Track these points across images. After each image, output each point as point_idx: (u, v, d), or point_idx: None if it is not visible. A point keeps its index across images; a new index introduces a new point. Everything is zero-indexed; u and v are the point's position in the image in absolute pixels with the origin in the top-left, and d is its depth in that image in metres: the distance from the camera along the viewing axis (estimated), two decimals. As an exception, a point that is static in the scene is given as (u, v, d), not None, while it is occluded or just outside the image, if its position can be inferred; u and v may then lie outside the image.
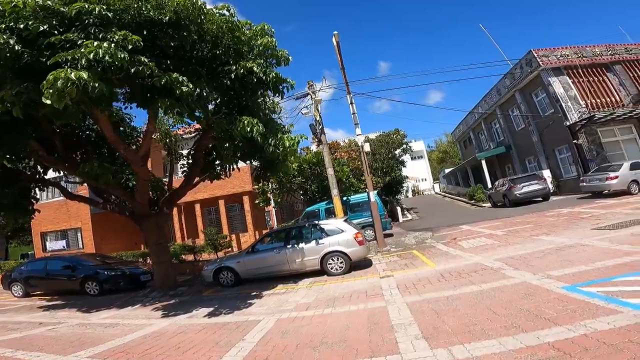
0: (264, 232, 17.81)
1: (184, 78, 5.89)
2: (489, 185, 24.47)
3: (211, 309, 7.37)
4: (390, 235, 15.34)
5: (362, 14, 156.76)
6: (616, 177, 14.22)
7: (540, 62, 19.03)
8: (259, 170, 10.21)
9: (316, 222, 9.98)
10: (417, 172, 60.33)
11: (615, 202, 12.92)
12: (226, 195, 21.49)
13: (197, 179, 10.14)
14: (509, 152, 26.11)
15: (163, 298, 9.39)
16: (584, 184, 15.57)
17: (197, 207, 21.84)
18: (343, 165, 16.81)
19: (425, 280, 6.69)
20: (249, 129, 6.84)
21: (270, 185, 15.91)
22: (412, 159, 61.70)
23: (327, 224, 9.61)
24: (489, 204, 22.19)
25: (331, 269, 9.10)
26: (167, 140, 10.91)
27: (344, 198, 15.54)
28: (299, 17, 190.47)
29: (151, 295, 9.78)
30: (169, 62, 6.47)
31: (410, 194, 55.92)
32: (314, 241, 9.31)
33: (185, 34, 6.39)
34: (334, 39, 12.40)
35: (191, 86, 5.93)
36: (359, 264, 9.52)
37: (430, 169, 59.68)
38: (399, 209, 25.89)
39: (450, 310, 4.68)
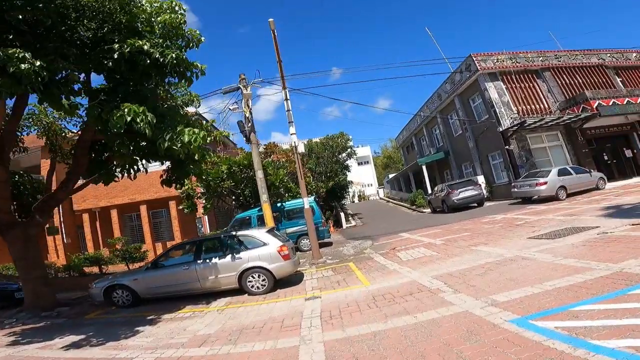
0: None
1: (27, 54, 4.72)
2: (429, 191, 24.73)
3: (81, 337, 5.97)
4: (329, 244, 14.27)
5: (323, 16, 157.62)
6: (545, 183, 14.59)
7: (479, 67, 19.40)
8: (168, 172, 8.47)
9: (234, 232, 8.46)
10: (363, 178, 60.95)
11: (545, 208, 13.12)
12: (149, 200, 19.02)
13: (81, 181, 8.09)
14: (448, 158, 26.70)
15: (31, 320, 7.80)
16: (515, 189, 15.89)
17: (114, 213, 19.03)
18: (279, 168, 15.43)
19: (354, 306, 5.53)
20: (129, 118, 5.23)
21: (194, 190, 13.99)
22: (358, 164, 62.31)
23: (246, 235, 8.14)
24: (429, 210, 22.26)
25: (251, 287, 7.67)
26: (49, 134, 8.68)
27: (279, 204, 14.15)
28: (250, 19, 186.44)
29: (18, 316, 8.10)
30: (12, 37, 5.31)
31: (356, 199, 56.17)
32: (231, 255, 7.81)
33: (42, 6, 5.24)
34: (270, 27, 11.03)
35: (37, 64, 4.77)
36: (290, 279, 8.23)
37: (375, 174, 60.68)
38: (342, 215, 25.12)
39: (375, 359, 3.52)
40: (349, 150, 28.25)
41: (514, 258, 6.54)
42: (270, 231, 8.39)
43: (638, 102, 17.09)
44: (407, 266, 7.84)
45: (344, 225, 24.38)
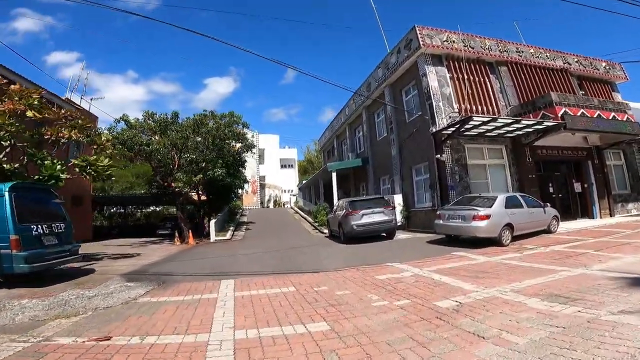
0: None
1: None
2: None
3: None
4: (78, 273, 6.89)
5: None
6: (486, 217, 8.95)
7: (422, 43, 13.71)
8: None
9: None
10: (285, 182, 54.18)
11: (485, 260, 7.36)
12: None
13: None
14: (366, 167, 20.96)
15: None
16: (441, 221, 10.12)
17: None
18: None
19: None
20: None
21: None
22: (281, 166, 55.51)
23: None
24: (327, 232, 16.03)
25: None
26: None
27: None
28: None
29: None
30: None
31: (271, 205, 49.04)
32: None
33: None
34: None
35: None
36: None
37: (298, 180, 54.43)
38: (212, 223, 17.69)
39: None
40: (247, 142, 20.95)
41: None
42: None
43: (610, 117, 12.81)
44: None
45: (213, 237, 17.05)
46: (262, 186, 49.58)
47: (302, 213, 27.65)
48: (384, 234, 12.49)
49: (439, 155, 12.77)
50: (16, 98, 8.28)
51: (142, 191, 23.89)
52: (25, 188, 7.13)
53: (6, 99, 8.22)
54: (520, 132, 13.18)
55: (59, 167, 8.58)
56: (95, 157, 9.38)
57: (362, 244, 11.34)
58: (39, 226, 6.70)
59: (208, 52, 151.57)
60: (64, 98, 19.25)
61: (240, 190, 34.69)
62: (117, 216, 30.16)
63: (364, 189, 21.94)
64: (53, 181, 8.40)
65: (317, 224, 19.86)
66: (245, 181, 30.60)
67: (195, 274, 7.59)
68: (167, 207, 29.83)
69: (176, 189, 16.89)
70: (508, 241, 9.37)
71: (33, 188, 7.57)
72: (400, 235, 13.01)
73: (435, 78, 14.08)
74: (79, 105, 21.06)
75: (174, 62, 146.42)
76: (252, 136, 47.57)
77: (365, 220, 11.75)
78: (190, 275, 7.46)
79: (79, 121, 9.73)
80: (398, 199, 15.59)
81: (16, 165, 8.28)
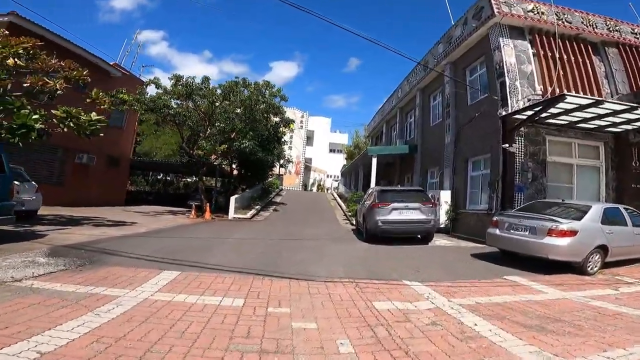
0: None
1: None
2: (372, 195, 16.05)
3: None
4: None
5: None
6: (572, 232, 6.03)
7: (496, 11, 10.71)
8: None
9: None
10: (333, 167, 52.18)
11: (557, 297, 4.64)
12: None
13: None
14: (414, 156, 18.07)
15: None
16: (496, 231, 7.28)
17: None
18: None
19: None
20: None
21: None
22: (331, 151, 53.62)
23: None
24: (355, 224, 13.78)
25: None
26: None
27: None
28: None
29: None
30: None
31: (314, 188, 47.55)
32: None
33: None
34: None
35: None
36: None
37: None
38: (233, 198, 16.35)
39: None
40: (282, 116, 19.17)
41: None
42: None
43: None
44: None
45: (231, 214, 15.73)
46: (308, 168, 48.20)
47: (339, 200, 25.53)
48: (419, 236, 9.92)
49: (507, 145, 9.69)
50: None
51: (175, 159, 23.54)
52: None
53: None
54: (630, 127, 9.58)
55: (35, 116, 7.40)
56: (77, 109, 8.12)
57: (386, 245, 8.93)
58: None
59: (278, 36, 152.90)
60: (111, 63, 19.02)
61: (280, 169, 33.57)
62: (158, 183, 30.70)
63: (409, 180, 19.07)
64: (24, 130, 7.24)
65: (349, 214, 17.67)
66: (289, 160, 29.22)
67: (148, 256, 5.90)
68: (207, 178, 29.59)
69: (201, 158, 15.72)
70: (595, 269, 6.39)
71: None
72: (439, 241, 10.31)
73: (512, 53, 10.93)
74: (128, 71, 20.94)
75: (244, 45, 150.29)
76: (302, 116, 46.93)
77: (395, 216, 9.27)
78: (138, 257, 5.77)
79: (74, 72, 8.52)
80: (445, 196, 12.72)
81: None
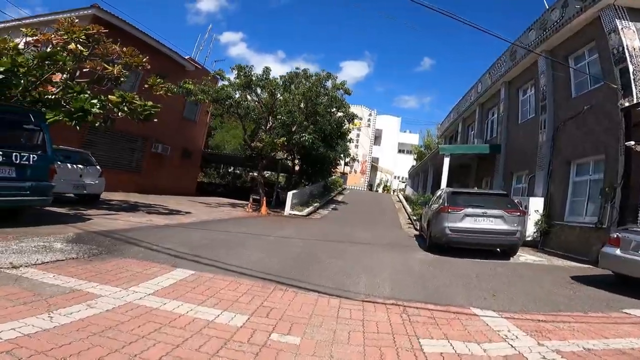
0: None
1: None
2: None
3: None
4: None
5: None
6: None
7: None
8: None
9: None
10: (401, 168, 49.56)
11: None
12: None
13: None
14: (494, 157, 15.62)
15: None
16: (616, 251, 5.32)
17: None
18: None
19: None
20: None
21: None
22: (399, 151, 51.10)
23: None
24: (418, 229, 12.19)
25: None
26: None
27: None
28: None
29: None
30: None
31: (380, 189, 45.63)
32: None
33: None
34: None
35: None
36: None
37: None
38: (290, 194, 15.87)
39: None
40: (345, 110, 18.15)
41: None
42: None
43: None
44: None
45: (287, 210, 15.26)
46: (374, 168, 46.45)
47: (404, 202, 23.63)
48: (498, 249, 8.10)
49: (632, 143, 7.35)
50: (61, 31, 7.52)
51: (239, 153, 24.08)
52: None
53: (54, 33, 7.59)
54: None
55: (93, 101, 7.56)
56: (132, 94, 8.17)
57: (454, 257, 7.37)
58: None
59: (347, 36, 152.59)
60: (186, 57, 20.08)
61: (344, 167, 32.62)
62: (228, 176, 32.04)
63: (488, 185, 16.61)
64: (81, 114, 7.41)
65: (414, 218, 15.98)
66: (354, 159, 28.14)
67: (171, 250, 5.34)
68: (272, 173, 30.01)
69: (260, 151, 15.52)
70: None
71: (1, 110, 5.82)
72: (525, 256, 8.31)
73: (635, 36, 8.60)
74: (201, 65, 21.97)
75: (317, 44, 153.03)
76: (370, 114, 45.25)
77: (468, 224, 7.61)
78: (160, 250, 5.25)
79: (133, 58, 8.63)
80: (535, 204, 10.46)
81: (53, 96, 7.57)
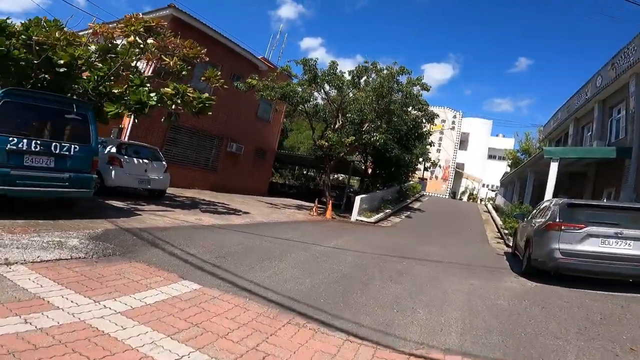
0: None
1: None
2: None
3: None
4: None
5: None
6: None
7: None
8: None
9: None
10: (491, 176, 44.17)
11: None
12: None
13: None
14: (622, 162, 12.18)
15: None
16: None
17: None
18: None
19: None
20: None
21: None
22: (490, 157, 45.77)
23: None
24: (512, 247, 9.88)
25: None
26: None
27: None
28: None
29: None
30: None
31: (465, 197, 41.24)
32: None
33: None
34: None
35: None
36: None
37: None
38: (358, 198, 14.66)
39: None
40: (422, 107, 16.21)
41: None
42: None
43: None
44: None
45: (354, 216, 14.11)
46: (459, 175, 42.17)
47: (494, 214, 20.41)
48: (630, 280, 5.74)
49: None
50: (121, 25, 7.66)
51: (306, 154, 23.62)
52: (30, 96, 5.63)
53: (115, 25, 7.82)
54: None
55: (152, 94, 7.55)
56: (186, 86, 7.96)
57: (561, 285, 5.36)
58: (24, 141, 5.12)
59: (430, 36, 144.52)
60: (259, 57, 20.44)
61: (423, 172, 30.12)
62: (302, 177, 32.06)
63: (613, 197, 13.08)
64: (138, 106, 7.40)
65: (505, 232, 13.37)
66: (435, 163, 25.73)
67: (192, 256, 4.62)
68: (344, 176, 29.09)
69: (327, 151, 14.67)
70: None
71: (43, 98, 5.77)
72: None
73: None
74: (273, 64, 22.18)
75: (396, 45, 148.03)
76: (454, 116, 41.26)
77: (592, 247, 5.48)
78: (177, 256, 4.55)
79: (191, 51, 8.48)
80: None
81: (118, 90, 7.73)
